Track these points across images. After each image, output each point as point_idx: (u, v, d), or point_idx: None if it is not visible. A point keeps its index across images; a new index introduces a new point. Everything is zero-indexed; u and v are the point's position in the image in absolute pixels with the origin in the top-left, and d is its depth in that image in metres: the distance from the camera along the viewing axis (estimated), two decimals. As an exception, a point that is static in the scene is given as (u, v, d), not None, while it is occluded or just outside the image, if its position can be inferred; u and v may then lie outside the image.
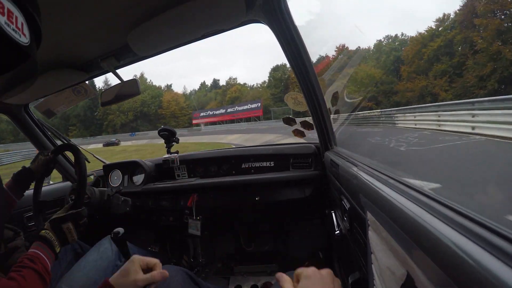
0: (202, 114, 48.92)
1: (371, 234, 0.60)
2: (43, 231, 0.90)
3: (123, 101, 1.18)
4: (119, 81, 1.14)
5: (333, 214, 1.12)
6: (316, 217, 1.80)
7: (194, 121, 49.08)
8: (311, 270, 0.53)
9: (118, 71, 1.12)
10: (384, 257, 0.52)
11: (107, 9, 0.77)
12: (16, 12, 0.38)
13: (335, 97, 1.24)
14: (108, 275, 1.06)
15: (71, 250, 1.20)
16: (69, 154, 1.67)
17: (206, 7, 0.76)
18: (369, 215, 0.61)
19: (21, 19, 0.39)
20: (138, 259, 0.76)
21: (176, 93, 58.33)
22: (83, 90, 1.33)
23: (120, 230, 1.04)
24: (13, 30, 0.37)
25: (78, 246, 1.24)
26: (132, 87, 1.14)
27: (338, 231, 1.01)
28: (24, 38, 0.39)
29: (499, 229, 0.29)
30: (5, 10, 0.36)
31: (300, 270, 0.55)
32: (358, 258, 0.80)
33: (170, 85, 61.92)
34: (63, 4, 0.70)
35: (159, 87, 59.10)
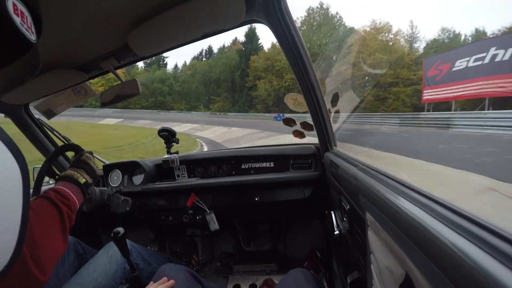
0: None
1: (370, 235, 0.61)
2: (63, 172, 0.95)
3: (123, 101, 1.18)
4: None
5: (333, 215, 1.12)
6: (315, 217, 1.80)
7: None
8: None
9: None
10: (383, 257, 0.53)
11: (107, 9, 0.77)
12: (26, 13, 0.42)
13: (335, 97, 1.24)
14: (117, 279, 1.08)
15: (73, 250, 1.20)
16: (69, 154, 1.67)
17: (206, 7, 0.76)
18: (368, 216, 0.61)
19: (30, 19, 0.44)
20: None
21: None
22: (83, 90, 1.33)
23: (120, 229, 1.05)
24: (26, 29, 0.42)
25: (80, 247, 1.24)
26: (132, 87, 1.14)
27: (337, 232, 1.01)
28: (33, 36, 0.44)
29: (497, 230, 0.29)
30: (19, 12, 0.41)
31: None
32: (357, 258, 0.80)
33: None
34: (63, 4, 0.70)
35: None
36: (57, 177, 0.97)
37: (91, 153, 1.10)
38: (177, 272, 0.96)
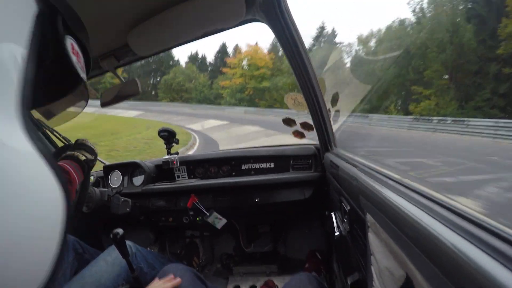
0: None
1: (371, 236, 0.60)
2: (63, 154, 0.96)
3: (123, 101, 1.18)
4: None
5: (333, 216, 1.11)
6: (316, 218, 1.79)
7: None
8: None
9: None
10: (383, 258, 0.52)
11: (107, 8, 0.77)
12: (81, 54, 0.46)
13: (335, 98, 1.24)
14: (120, 281, 1.07)
15: (72, 250, 1.19)
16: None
17: (206, 6, 0.76)
18: (368, 217, 0.61)
19: (83, 60, 0.47)
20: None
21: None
22: (83, 90, 1.33)
23: (119, 231, 1.04)
24: (80, 68, 0.45)
25: (79, 246, 1.24)
26: (132, 87, 1.14)
27: (338, 233, 1.00)
28: (84, 75, 0.47)
29: (497, 231, 0.29)
30: (76, 51, 0.44)
31: None
32: (357, 260, 0.79)
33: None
34: None
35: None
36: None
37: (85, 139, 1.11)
38: (183, 272, 0.96)
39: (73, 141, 1.12)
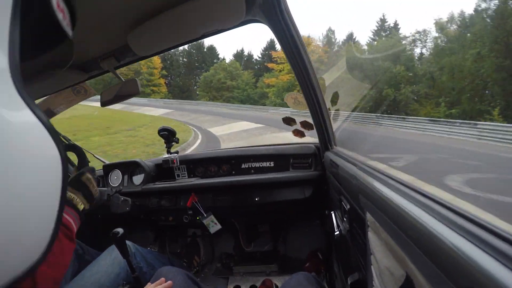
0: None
1: (371, 235, 0.60)
2: None
3: (123, 100, 1.18)
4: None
5: (333, 215, 1.12)
6: (315, 217, 1.80)
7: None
8: None
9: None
10: (383, 258, 0.52)
11: (107, 9, 0.77)
12: (66, 10, 0.43)
13: (335, 97, 1.24)
14: (120, 282, 1.07)
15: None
16: (69, 154, 1.67)
17: (206, 7, 0.76)
18: (368, 216, 0.61)
19: (68, 17, 0.45)
20: None
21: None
22: (83, 90, 1.33)
23: (119, 230, 1.04)
24: (66, 25, 0.43)
25: (79, 247, 1.24)
26: (132, 87, 1.14)
27: (337, 232, 1.01)
28: (70, 32, 0.45)
29: (497, 230, 0.29)
30: (61, 8, 0.42)
31: None
32: (357, 259, 0.79)
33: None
34: None
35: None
36: None
37: (93, 170, 1.04)
38: (174, 275, 0.96)
39: (72, 140, 1.11)
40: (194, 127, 15.00)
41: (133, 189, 1.64)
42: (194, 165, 1.72)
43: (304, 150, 1.54)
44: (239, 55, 46.38)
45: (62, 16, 0.42)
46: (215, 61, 45.13)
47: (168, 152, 1.70)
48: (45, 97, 1.37)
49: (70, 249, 0.78)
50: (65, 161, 0.33)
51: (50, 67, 0.57)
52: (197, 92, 40.82)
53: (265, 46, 44.17)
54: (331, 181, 1.18)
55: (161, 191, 1.63)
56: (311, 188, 1.45)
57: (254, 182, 1.48)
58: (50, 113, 1.44)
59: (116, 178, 1.75)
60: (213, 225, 1.59)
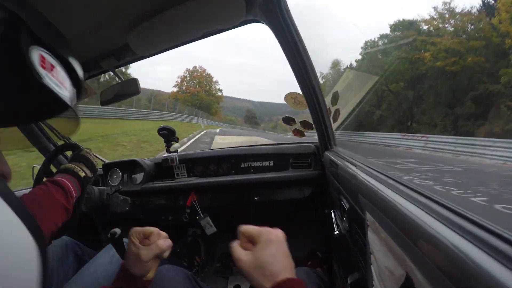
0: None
1: (370, 235, 0.60)
2: (62, 165, 0.94)
3: (123, 100, 1.18)
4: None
5: (332, 214, 1.12)
6: (315, 217, 1.80)
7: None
8: (274, 234, 0.48)
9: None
10: (383, 257, 0.52)
11: (107, 9, 0.77)
12: (58, 65, 0.39)
13: (335, 97, 1.24)
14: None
15: (71, 252, 1.19)
16: (69, 153, 1.67)
17: (206, 7, 0.76)
18: (368, 216, 0.61)
19: (62, 71, 0.41)
20: (132, 232, 0.76)
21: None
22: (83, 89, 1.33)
23: (117, 230, 1.04)
24: (56, 84, 0.39)
25: (78, 248, 1.24)
26: (132, 86, 1.14)
27: (337, 231, 1.01)
28: (63, 91, 0.40)
29: (497, 230, 0.29)
30: (48, 65, 0.38)
31: (255, 231, 0.47)
32: (357, 259, 0.80)
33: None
34: (63, 3, 0.70)
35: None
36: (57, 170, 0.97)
37: (89, 150, 1.10)
38: (175, 273, 0.96)
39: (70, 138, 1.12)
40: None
41: (133, 188, 1.64)
42: (194, 164, 1.72)
43: (304, 150, 1.54)
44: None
45: (50, 72, 0.37)
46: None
47: (168, 151, 1.70)
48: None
49: (61, 209, 0.78)
50: (45, 257, 0.28)
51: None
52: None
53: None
54: (331, 181, 1.18)
55: (160, 190, 1.63)
56: (311, 187, 1.45)
57: (253, 181, 1.48)
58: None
59: (115, 177, 1.75)
60: (209, 227, 1.60)
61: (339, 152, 1.10)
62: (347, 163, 0.89)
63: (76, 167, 0.94)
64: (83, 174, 0.94)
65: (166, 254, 0.74)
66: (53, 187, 0.79)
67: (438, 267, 0.32)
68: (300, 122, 1.36)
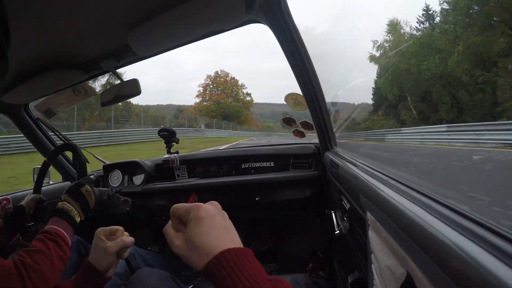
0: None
1: (371, 234, 0.60)
2: (60, 202, 0.90)
3: (123, 101, 1.18)
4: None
5: (333, 214, 1.12)
6: (316, 217, 1.80)
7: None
8: (203, 209, 0.40)
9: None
10: (384, 256, 0.52)
11: (107, 9, 0.77)
12: None
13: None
14: (118, 281, 1.07)
15: (75, 251, 1.20)
16: (68, 153, 1.67)
17: (206, 7, 0.76)
18: (369, 215, 0.61)
19: None
20: (99, 231, 0.79)
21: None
22: (83, 90, 1.33)
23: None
24: None
25: (82, 247, 1.24)
26: (132, 87, 1.14)
27: (338, 231, 1.01)
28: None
29: (498, 229, 0.29)
30: None
31: (183, 209, 0.42)
32: (358, 258, 0.80)
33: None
34: (63, 3, 0.70)
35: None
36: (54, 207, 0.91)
37: (92, 181, 1.03)
38: (152, 274, 0.98)
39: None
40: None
41: (133, 189, 1.64)
42: (194, 165, 1.72)
43: (304, 150, 1.54)
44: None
45: None
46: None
47: (168, 152, 1.70)
48: (45, 97, 1.37)
49: (60, 261, 0.78)
50: None
51: None
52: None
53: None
54: (331, 181, 1.18)
55: (161, 191, 1.63)
56: (311, 187, 1.45)
57: (254, 182, 1.49)
58: (50, 113, 1.44)
59: (116, 178, 1.75)
60: None
61: (339, 153, 1.10)
62: (347, 164, 0.89)
63: (73, 209, 0.90)
64: (78, 219, 0.91)
65: (126, 254, 0.81)
66: (52, 245, 0.77)
67: (439, 266, 0.32)
68: (300, 123, 1.36)
